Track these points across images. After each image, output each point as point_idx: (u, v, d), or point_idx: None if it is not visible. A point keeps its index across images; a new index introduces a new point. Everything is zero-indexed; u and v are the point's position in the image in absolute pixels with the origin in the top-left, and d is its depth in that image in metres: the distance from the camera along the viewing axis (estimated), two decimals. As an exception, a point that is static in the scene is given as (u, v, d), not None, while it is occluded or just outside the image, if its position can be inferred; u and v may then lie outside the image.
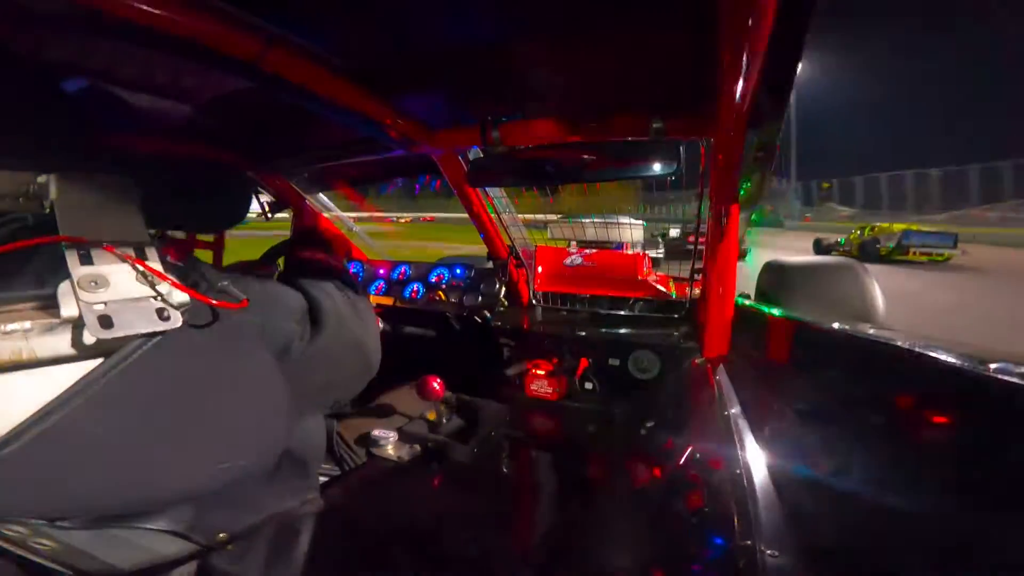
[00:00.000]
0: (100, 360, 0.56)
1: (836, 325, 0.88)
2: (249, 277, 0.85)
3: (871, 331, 0.76)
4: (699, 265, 1.46)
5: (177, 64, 0.84)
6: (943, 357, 0.53)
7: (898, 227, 15.68)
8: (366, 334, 0.93)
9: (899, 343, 0.63)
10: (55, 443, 0.50)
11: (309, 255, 1.01)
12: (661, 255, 7.71)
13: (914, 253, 14.53)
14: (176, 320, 0.64)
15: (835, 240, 18.56)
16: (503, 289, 1.90)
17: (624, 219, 2.92)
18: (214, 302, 0.66)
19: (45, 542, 0.51)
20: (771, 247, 17.18)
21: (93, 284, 0.57)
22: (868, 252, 15.60)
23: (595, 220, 2.38)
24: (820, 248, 18.46)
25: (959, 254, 14.34)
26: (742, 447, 0.75)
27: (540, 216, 2.03)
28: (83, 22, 0.57)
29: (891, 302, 1.68)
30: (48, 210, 0.58)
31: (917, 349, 0.60)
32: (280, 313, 0.82)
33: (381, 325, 2.00)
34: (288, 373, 0.75)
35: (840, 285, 2.49)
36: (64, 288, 0.55)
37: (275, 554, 0.73)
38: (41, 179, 0.58)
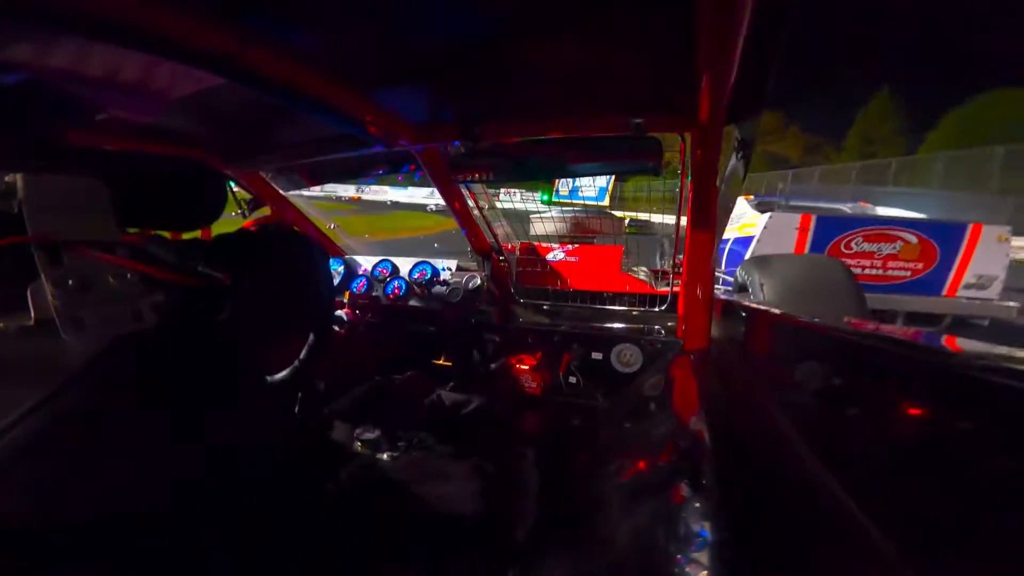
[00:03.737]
0: (74, 363, 0.54)
1: (814, 319, 0.90)
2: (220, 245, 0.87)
3: (848, 325, 0.78)
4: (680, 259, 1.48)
5: (150, 61, 0.81)
6: (921, 351, 0.55)
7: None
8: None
9: (876, 336, 0.65)
10: (29, 452, 0.48)
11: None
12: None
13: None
14: (151, 320, 0.62)
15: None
16: (486, 284, 1.90)
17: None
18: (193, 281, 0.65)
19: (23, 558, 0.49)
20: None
21: (65, 285, 0.55)
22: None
23: (579, 214, 2.39)
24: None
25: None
26: (724, 439, 0.76)
27: (522, 209, 2.03)
28: (53, 19, 0.55)
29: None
30: (16, 210, 0.56)
31: (894, 343, 0.62)
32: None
33: (364, 316, 1.98)
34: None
35: (822, 279, 2.54)
36: (34, 289, 0.54)
37: (260, 554, 0.72)
38: (8, 178, 0.56)
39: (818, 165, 20.26)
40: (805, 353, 0.83)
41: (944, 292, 4.39)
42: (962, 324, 4.43)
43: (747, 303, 1.36)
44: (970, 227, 4.28)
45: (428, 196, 20.29)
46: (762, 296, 2.41)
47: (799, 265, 2.73)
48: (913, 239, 4.36)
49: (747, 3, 0.60)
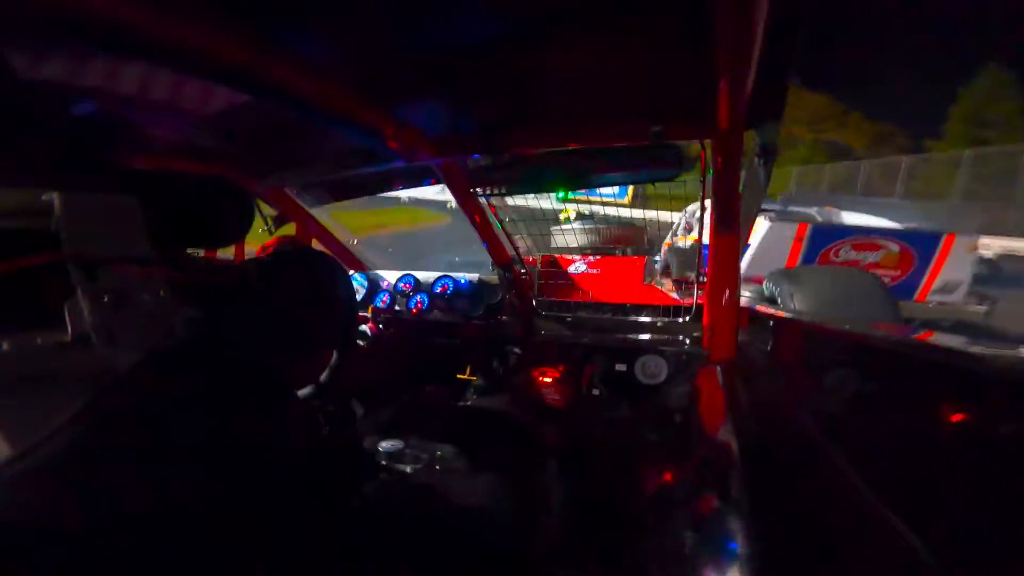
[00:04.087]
0: (108, 377, 0.56)
1: (844, 327, 0.88)
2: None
3: (879, 332, 0.76)
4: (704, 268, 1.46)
5: (176, 79, 0.84)
6: (954, 357, 0.53)
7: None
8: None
9: (908, 344, 0.62)
10: (61, 466, 0.50)
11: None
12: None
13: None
14: (183, 335, 0.64)
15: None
16: (507, 297, 1.90)
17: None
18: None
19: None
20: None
21: (100, 301, 0.57)
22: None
23: (600, 226, 2.38)
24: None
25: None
26: (752, 450, 0.74)
27: (543, 219, 2.03)
28: (83, 38, 0.58)
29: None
30: (54, 228, 0.58)
31: (926, 349, 0.60)
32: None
33: (383, 330, 2.00)
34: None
35: (852, 289, 2.49)
36: (71, 305, 0.56)
37: (283, 566, 0.72)
38: (46, 197, 0.58)
39: (903, 155, 15.12)
40: (835, 362, 0.80)
41: (916, 297, 4.58)
42: (927, 326, 4.55)
43: (774, 312, 1.33)
44: (944, 237, 4.52)
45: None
46: (792, 307, 2.37)
47: (831, 277, 2.70)
48: (895, 247, 4.55)
49: (763, 7, 0.60)
